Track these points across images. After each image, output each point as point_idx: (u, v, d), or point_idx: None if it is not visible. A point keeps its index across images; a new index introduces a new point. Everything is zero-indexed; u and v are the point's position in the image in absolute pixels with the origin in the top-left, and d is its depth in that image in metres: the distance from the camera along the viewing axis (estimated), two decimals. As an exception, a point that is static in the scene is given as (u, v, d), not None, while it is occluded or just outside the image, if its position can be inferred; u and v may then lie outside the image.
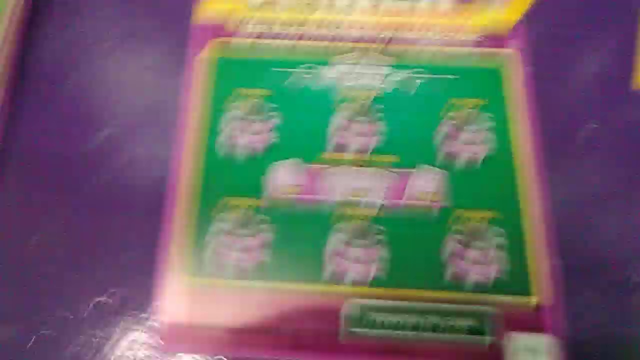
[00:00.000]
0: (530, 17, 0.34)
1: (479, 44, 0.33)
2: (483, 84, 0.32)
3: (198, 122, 0.31)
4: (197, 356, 0.27)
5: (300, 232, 0.29)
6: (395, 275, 0.28)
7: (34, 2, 0.35)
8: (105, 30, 0.34)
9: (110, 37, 0.34)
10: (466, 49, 0.33)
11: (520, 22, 0.34)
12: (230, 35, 0.34)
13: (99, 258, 0.29)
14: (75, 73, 0.33)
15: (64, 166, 0.31)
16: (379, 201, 0.30)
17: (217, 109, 0.32)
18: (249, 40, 0.33)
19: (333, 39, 0.33)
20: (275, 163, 0.30)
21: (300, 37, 0.34)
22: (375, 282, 0.28)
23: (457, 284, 0.28)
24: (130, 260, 0.29)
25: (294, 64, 0.33)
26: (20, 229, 0.30)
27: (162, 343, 0.27)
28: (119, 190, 0.30)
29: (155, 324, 0.28)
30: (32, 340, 0.27)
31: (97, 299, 0.28)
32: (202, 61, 0.33)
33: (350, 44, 0.33)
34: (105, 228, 0.30)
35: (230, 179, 0.30)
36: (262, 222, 0.29)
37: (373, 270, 0.28)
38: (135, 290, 0.28)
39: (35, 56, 0.34)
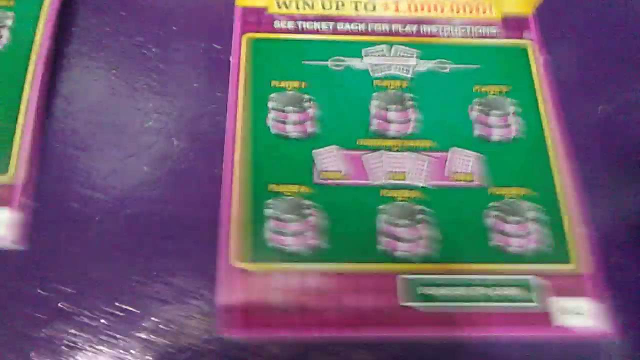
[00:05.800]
0: (541, 8, 0.37)
1: (497, 35, 0.35)
2: (504, 71, 0.34)
3: (241, 114, 0.32)
4: (257, 338, 0.28)
5: (348, 216, 0.30)
6: (443, 251, 0.29)
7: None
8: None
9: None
10: (486, 40, 0.35)
11: (534, 14, 0.36)
12: (262, 30, 0.35)
13: (160, 247, 0.30)
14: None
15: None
16: (419, 183, 0.31)
17: (257, 102, 0.32)
18: (281, 35, 0.35)
19: (361, 32, 0.35)
20: (316, 151, 0.31)
21: (330, 32, 0.35)
22: (425, 258, 0.29)
23: (500, 256, 0.29)
24: (189, 247, 0.29)
25: (326, 57, 0.34)
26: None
27: (222, 327, 0.28)
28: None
29: (214, 310, 0.28)
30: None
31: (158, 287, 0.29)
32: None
33: (377, 37, 0.35)
34: (165, 218, 0.30)
35: (276, 168, 0.31)
36: (309, 207, 0.30)
37: (422, 248, 0.29)
38: (194, 277, 0.29)
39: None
